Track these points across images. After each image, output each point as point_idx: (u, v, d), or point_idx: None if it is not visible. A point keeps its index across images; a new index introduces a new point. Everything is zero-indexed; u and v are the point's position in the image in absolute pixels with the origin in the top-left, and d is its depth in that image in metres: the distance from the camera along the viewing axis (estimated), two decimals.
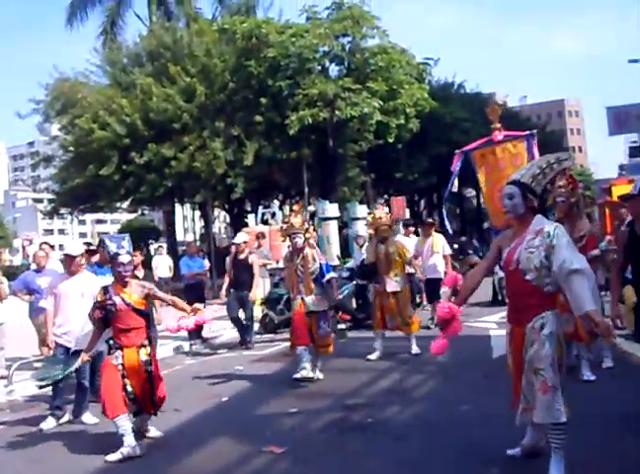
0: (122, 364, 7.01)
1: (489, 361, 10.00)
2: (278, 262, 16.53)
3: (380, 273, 11.34)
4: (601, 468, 5.52)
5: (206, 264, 21.42)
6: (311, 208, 31.02)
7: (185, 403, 8.98)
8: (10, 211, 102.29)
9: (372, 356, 11.05)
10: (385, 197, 39.17)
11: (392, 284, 11.25)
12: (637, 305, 6.16)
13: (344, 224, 31.16)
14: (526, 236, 5.24)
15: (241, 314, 13.50)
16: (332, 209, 25.00)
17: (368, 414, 7.80)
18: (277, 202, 36.88)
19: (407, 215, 29.76)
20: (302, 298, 9.80)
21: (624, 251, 6.52)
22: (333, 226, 24.22)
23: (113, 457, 6.70)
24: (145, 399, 7.13)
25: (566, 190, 8.44)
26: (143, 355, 7.10)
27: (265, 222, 23.84)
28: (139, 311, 7.20)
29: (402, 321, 11.28)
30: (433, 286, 14.57)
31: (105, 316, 7.16)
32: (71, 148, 29.21)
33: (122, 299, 7.11)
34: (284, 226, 10.21)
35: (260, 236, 17.23)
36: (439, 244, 14.44)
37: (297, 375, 9.53)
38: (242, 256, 13.36)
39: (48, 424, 8.19)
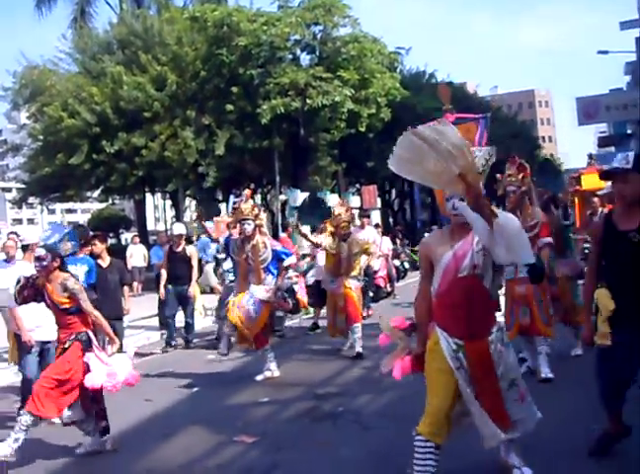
0: None
1: None
2: None
3: (340, 273, 10.82)
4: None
5: None
6: (282, 197, 31.04)
7: (156, 393, 8.97)
8: None
9: (344, 347, 11.02)
10: (357, 185, 39.21)
11: (353, 284, 10.84)
12: (615, 312, 4.98)
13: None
14: (474, 238, 4.70)
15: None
16: (303, 198, 25.04)
17: (339, 403, 7.84)
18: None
19: (378, 204, 29.86)
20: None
21: (599, 247, 5.23)
22: None
23: (80, 450, 6.69)
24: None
25: (516, 179, 8.36)
26: (63, 351, 6.56)
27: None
28: (64, 310, 6.55)
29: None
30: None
31: (33, 298, 6.72)
32: (40, 137, 28.86)
33: (47, 293, 6.58)
34: (234, 213, 9.74)
35: (230, 225, 17.03)
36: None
37: (260, 377, 9.39)
38: (179, 249, 12.71)
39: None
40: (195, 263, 12.80)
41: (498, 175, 8.69)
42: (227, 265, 12.83)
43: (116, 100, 26.58)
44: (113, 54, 29.05)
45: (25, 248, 8.33)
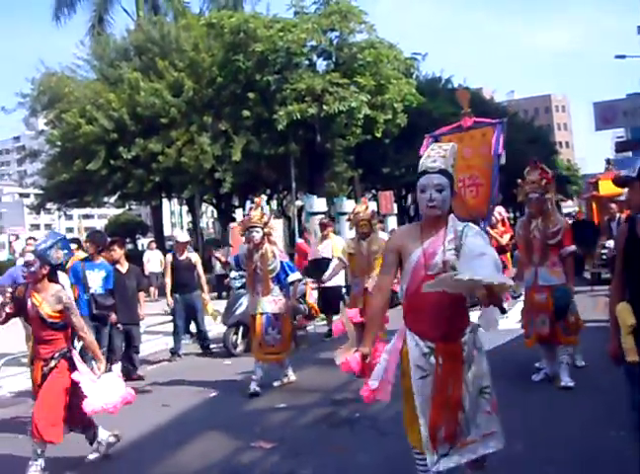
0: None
1: None
2: None
3: (359, 273, 10.16)
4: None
5: None
6: (299, 203, 31.07)
7: (173, 398, 9.01)
8: None
9: None
10: (373, 191, 39.18)
11: (372, 285, 9.92)
12: (636, 328, 4.40)
13: (331, 219, 31.21)
14: (446, 236, 4.50)
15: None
16: (319, 204, 25.00)
17: (356, 409, 7.81)
18: (264, 197, 36.89)
19: (395, 210, 29.81)
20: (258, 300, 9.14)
21: (623, 256, 4.67)
22: None
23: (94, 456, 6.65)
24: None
25: (539, 184, 8.24)
26: (47, 369, 6.26)
27: None
28: (50, 324, 6.25)
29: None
30: (329, 296, 13.36)
31: (15, 313, 6.40)
32: (58, 143, 29.03)
33: (33, 304, 6.25)
34: (243, 220, 9.43)
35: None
36: (338, 248, 12.60)
37: (277, 383, 9.45)
38: (182, 256, 12.43)
39: None
40: (200, 269, 12.56)
41: (519, 180, 8.59)
42: (234, 273, 12.74)
43: (133, 106, 26.71)
44: (130, 61, 29.21)
45: None
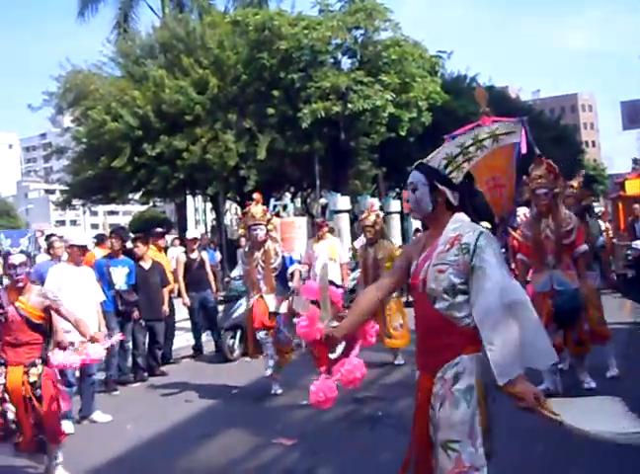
0: (4, 385, 5.86)
1: None
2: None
3: (367, 281, 9.95)
4: None
5: (217, 256, 21.47)
6: (323, 201, 31.03)
7: (195, 395, 9.05)
8: (22, 202, 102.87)
9: (397, 361, 10.32)
10: (397, 190, 39.12)
11: None
12: None
13: (355, 217, 31.21)
14: (437, 246, 3.68)
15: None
16: (343, 202, 24.99)
17: (379, 407, 7.82)
18: (288, 195, 36.90)
19: None
20: (262, 296, 8.83)
21: None
22: (344, 219, 24.27)
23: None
24: (28, 429, 5.87)
25: (546, 179, 7.73)
26: (32, 375, 5.93)
27: (277, 215, 23.75)
28: (35, 325, 5.99)
29: (385, 332, 9.82)
30: None
31: None
32: (83, 140, 29.19)
33: (16, 309, 5.92)
34: (244, 217, 9.15)
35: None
36: (335, 250, 12.68)
37: (268, 372, 8.99)
38: (193, 254, 12.16)
39: (66, 428, 6.67)
40: (208, 268, 12.39)
41: (524, 177, 8.23)
42: (235, 272, 12.52)
43: (158, 103, 26.80)
44: (155, 58, 29.33)
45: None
